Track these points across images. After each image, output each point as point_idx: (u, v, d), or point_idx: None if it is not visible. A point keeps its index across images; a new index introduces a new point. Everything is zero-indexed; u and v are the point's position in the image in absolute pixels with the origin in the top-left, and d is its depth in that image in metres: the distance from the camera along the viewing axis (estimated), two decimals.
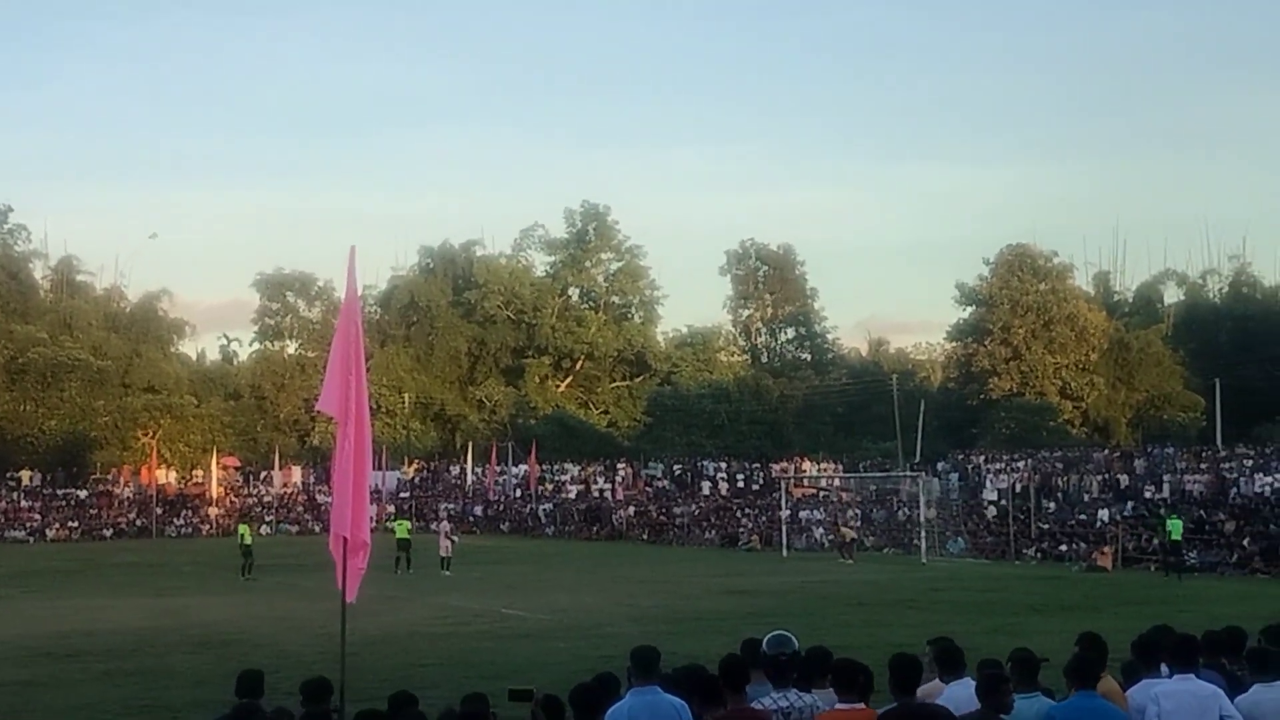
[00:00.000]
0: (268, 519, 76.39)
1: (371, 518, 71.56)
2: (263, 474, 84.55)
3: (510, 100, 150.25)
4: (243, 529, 47.06)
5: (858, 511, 58.80)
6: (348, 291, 12.57)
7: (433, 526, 70.64)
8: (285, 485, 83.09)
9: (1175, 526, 42.59)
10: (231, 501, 79.08)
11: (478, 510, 76.73)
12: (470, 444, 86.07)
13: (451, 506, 77.70)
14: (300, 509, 79.09)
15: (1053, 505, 55.10)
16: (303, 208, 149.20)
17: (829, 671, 8.72)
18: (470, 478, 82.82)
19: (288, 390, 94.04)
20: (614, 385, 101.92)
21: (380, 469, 77.27)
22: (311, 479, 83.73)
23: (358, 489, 11.62)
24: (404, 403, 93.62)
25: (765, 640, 9.41)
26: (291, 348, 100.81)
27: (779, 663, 8.82)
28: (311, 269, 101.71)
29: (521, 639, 24.96)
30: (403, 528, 47.91)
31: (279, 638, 25.21)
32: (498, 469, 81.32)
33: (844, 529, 53.24)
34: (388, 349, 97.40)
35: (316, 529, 70.67)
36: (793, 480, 66.33)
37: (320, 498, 77.20)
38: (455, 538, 45.09)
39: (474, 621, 28.31)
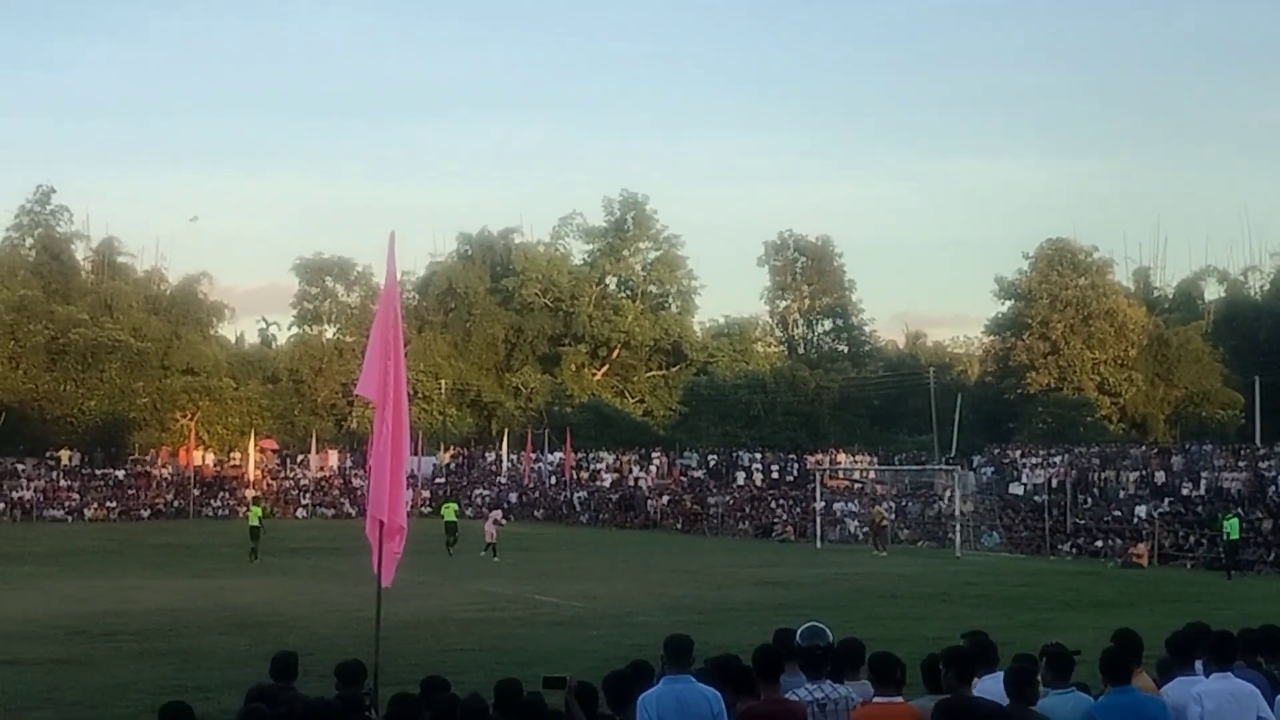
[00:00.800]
0: (304, 502, 76.83)
1: (408, 502, 72.07)
2: (300, 457, 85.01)
3: (550, 88, 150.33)
4: (255, 511, 47.35)
5: (892, 504, 58.65)
6: (387, 277, 12.62)
7: (469, 513, 71.28)
8: (322, 469, 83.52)
9: (1233, 526, 42.08)
10: (269, 484, 79.54)
11: (513, 497, 76.92)
12: (506, 431, 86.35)
13: (487, 493, 78.01)
14: (336, 493, 79.51)
15: (1089, 501, 54.83)
16: (342, 194, 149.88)
17: (863, 663, 8.72)
18: (506, 464, 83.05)
19: (325, 374, 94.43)
20: (650, 374, 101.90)
21: (417, 454, 77.62)
22: (348, 463, 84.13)
23: (395, 473, 11.67)
24: (441, 389, 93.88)
25: (799, 631, 9.40)
26: (329, 332, 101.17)
27: (813, 654, 8.81)
28: (350, 254, 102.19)
29: (555, 626, 25.02)
30: (450, 510, 48.50)
31: (313, 620, 25.35)
32: (533, 456, 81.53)
33: (877, 509, 53.10)
34: (425, 335, 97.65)
35: (353, 513, 71.06)
36: (828, 472, 66.20)
37: (356, 482, 77.61)
38: (503, 522, 44.94)
39: (507, 608, 28.39)
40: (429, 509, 75.27)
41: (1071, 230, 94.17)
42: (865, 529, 55.69)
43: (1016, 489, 59.14)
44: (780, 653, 8.78)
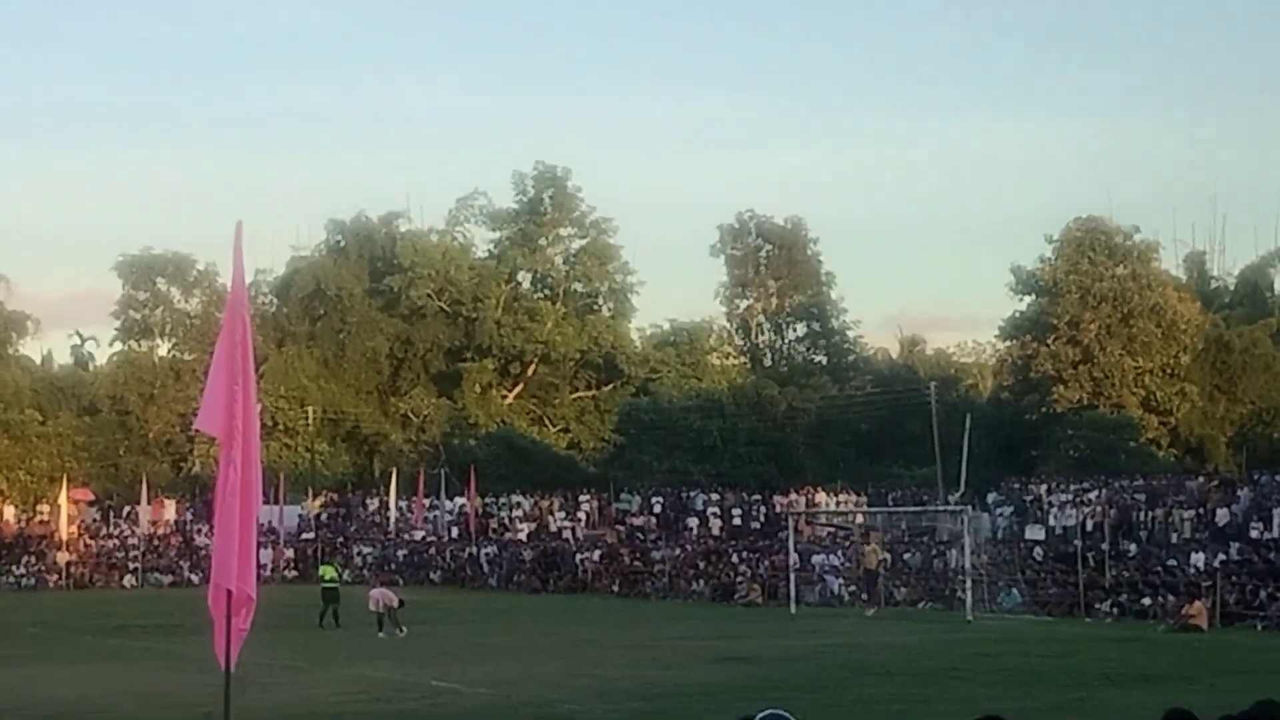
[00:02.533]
0: (133, 566, 76.14)
1: (263, 565, 71.20)
2: (127, 510, 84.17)
3: (444, 37, 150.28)
4: (327, 569, 49.31)
5: (886, 556, 58.82)
6: (234, 278, 12.58)
7: (345, 576, 70.78)
8: (155, 524, 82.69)
9: None
10: (86, 545, 78.75)
11: (401, 555, 76.53)
12: (393, 471, 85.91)
13: (369, 550, 77.57)
14: (174, 554, 78.79)
15: (1133, 547, 55.20)
16: (177, 172, 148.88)
17: None
18: (393, 513, 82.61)
19: (158, 403, 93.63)
20: (576, 396, 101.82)
21: (277, 503, 77.04)
22: (189, 516, 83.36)
23: (244, 529, 11.61)
24: (308, 418, 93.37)
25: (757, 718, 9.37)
26: (164, 348, 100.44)
27: None
28: (189, 249, 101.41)
29: None
30: (329, 571, 48.41)
31: (147, 719, 25.07)
32: (427, 502, 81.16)
33: (870, 547, 53.18)
34: (287, 350, 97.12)
35: (195, 579, 70.41)
36: (803, 517, 66.29)
37: (200, 540, 76.96)
38: (394, 603, 44.16)
39: (396, 698, 28.21)
40: (294, 572, 74.76)
41: (1107, 207, 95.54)
42: (853, 585, 55.81)
43: (1041, 533, 59.48)
44: None
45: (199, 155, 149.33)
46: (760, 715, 9.19)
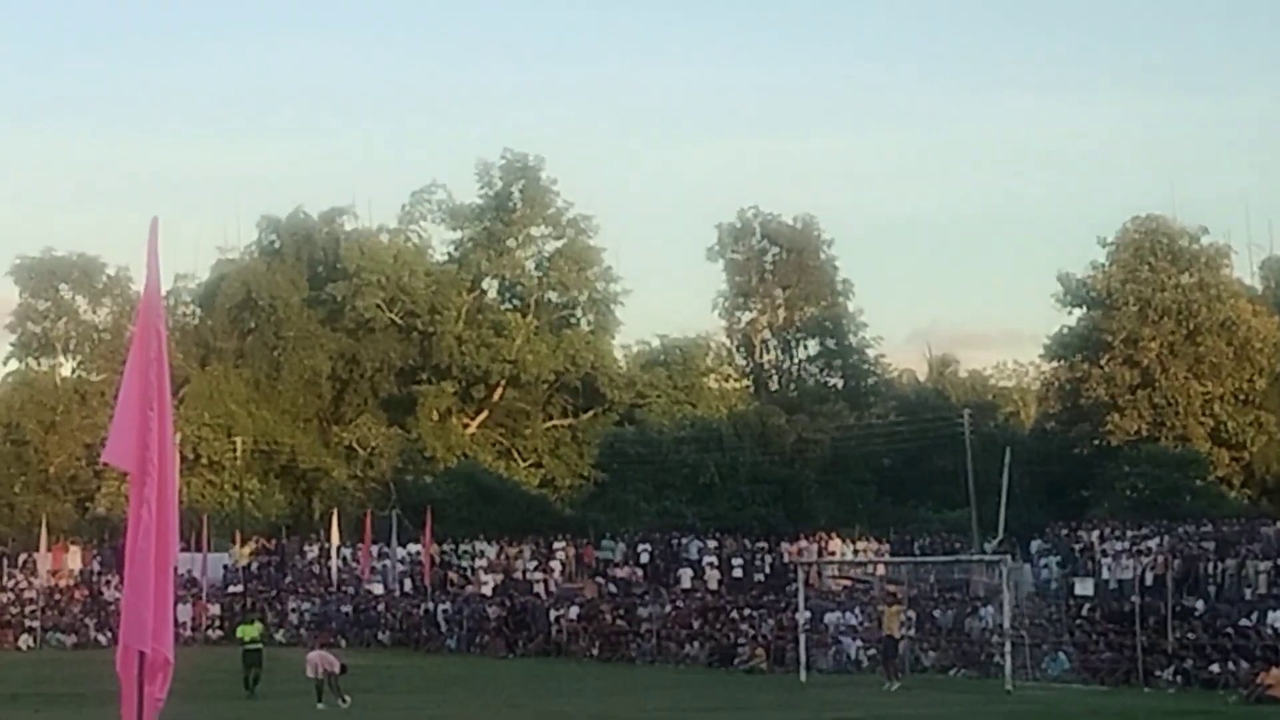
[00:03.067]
0: (29, 625, 75.96)
1: (182, 623, 71.18)
2: (23, 558, 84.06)
3: (395, 3, 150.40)
4: (248, 628, 48.64)
5: (911, 615, 58.87)
6: (148, 284, 12.50)
7: (279, 636, 70.74)
8: (57, 574, 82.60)
9: None
10: None
11: (345, 612, 76.47)
12: (336, 512, 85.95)
13: (307, 606, 77.45)
14: (78, 610, 78.64)
15: (1200, 604, 55.28)
16: (82, 158, 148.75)
17: None
18: (335, 562, 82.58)
19: (60, 431, 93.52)
20: (550, 425, 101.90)
21: (198, 550, 76.92)
22: (95, 565, 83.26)
23: (160, 581, 11.54)
24: (236, 450, 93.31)
25: None
26: (67, 367, 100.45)
27: None
28: (97, 252, 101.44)
29: None
30: (250, 631, 48.28)
31: None
32: (375, 550, 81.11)
33: (891, 609, 53.10)
34: (212, 370, 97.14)
35: (103, 640, 70.28)
36: (816, 568, 66.37)
37: (109, 593, 76.84)
38: (334, 668, 44.24)
39: None
40: (219, 631, 74.64)
41: (1170, 205, 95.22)
42: (875, 648, 55.78)
43: (1092, 588, 59.49)
44: None
45: (108, 142, 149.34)
46: None
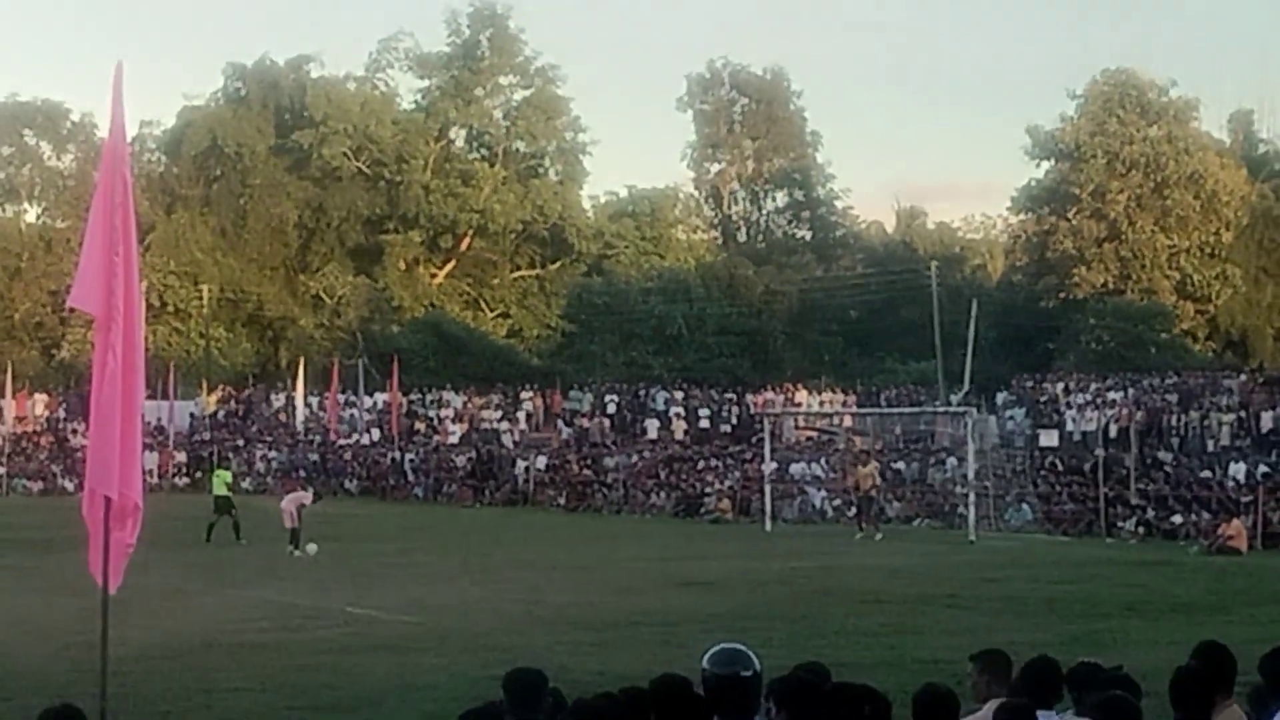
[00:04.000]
0: None
1: (149, 470, 71.10)
2: None
3: None
4: (221, 475, 49.20)
5: (877, 464, 59.13)
6: (113, 129, 12.44)
7: (246, 484, 70.96)
8: (22, 421, 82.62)
9: None
10: None
11: (312, 460, 76.65)
12: (302, 361, 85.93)
13: (275, 455, 77.62)
14: (44, 457, 78.74)
15: (1164, 456, 55.62)
16: (47, 5, 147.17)
17: (823, 702, 8.77)
18: (301, 412, 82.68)
19: (26, 278, 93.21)
20: (518, 275, 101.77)
21: (164, 398, 76.91)
22: (62, 412, 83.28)
23: (127, 428, 11.56)
24: (202, 298, 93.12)
25: (706, 656, 9.43)
26: (32, 213, 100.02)
27: (731, 687, 8.86)
28: (62, 97, 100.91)
29: (376, 652, 24.98)
30: (221, 480, 48.62)
31: (11, 650, 25.10)
32: (342, 399, 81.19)
33: (863, 469, 53.37)
34: (177, 217, 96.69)
35: (69, 486, 70.39)
36: (781, 419, 66.58)
37: (75, 440, 76.91)
38: (307, 502, 45.28)
39: (305, 626, 28.29)
40: (188, 479, 74.81)
41: (1139, 58, 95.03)
42: (840, 499, 56.14)
43: (1056, 440, 59.84)
44: (706, 689, 8.83)
45: None
46: (713, 650, 9.25)
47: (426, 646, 25.39)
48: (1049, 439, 60.33)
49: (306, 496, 45.37)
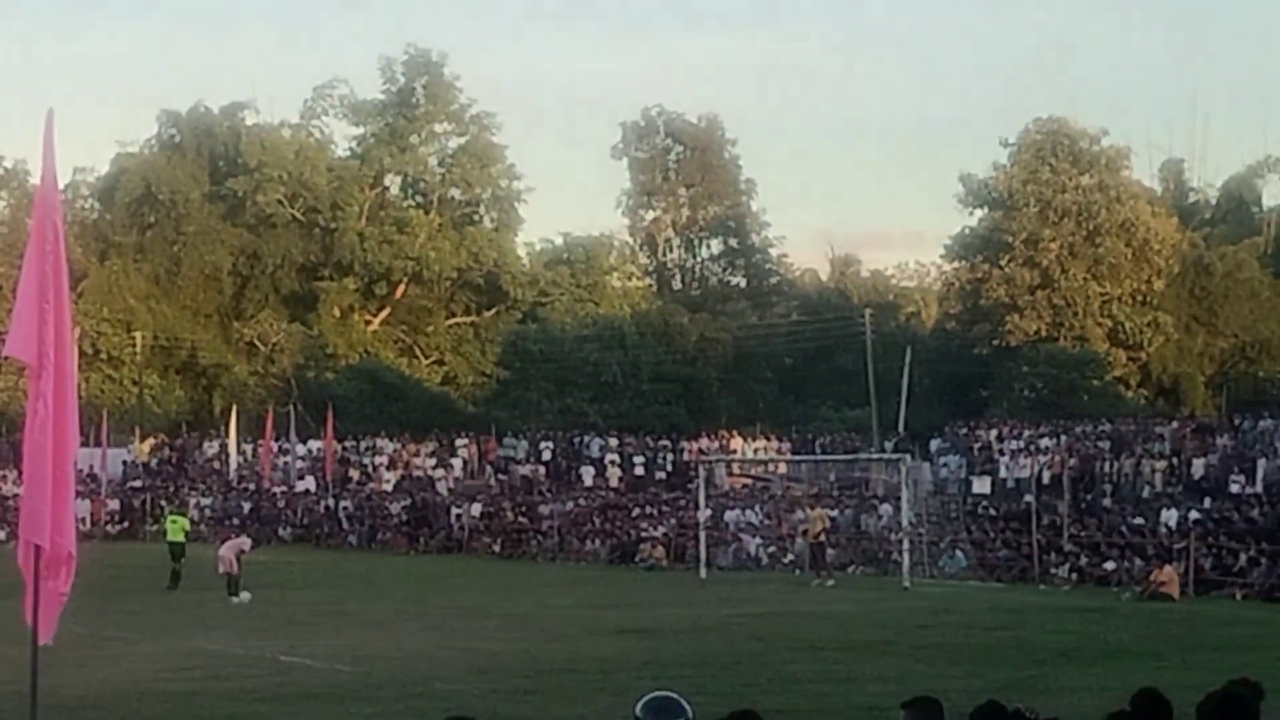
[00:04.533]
0: None
1: (81, 518, 70.54)
2: None
3: None
4: (178, 522, 49.42)
5: (805, 512, 59.21)
6: (44, 176, 12.42)
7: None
8: None
9: None
10: None
11: (246, 506, 76.29)
12: (235, 408, 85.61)
13: (208, 501, 77.24)
14: None
15: (1096, 503, 55.85)
16: None
17: None
18: (235, 459, 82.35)
19: None
20: (453, 322, 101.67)
21: (97, 445, 76.44)
22: None
23: (59, 475, 11.51)
24: (136, 345, 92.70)
25: (639, 705, 9.43)
26: None
27: None
28: None
29: (308, 701, 24.89)
30: (177, 527, 48.61)
31: None
32: (276, 446, 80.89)
33: (817, 512, 53.32)
34: (111, 264, 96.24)
35: (1, 535, 69.93)
36: (716, 465, 66.60)
37: (6, 489, 76.39)
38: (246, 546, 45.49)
39: (238, 674, 28.16)
40: (119, 527, 74.37)
41: (1071, 107, 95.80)
42: (775, 546, 56.20)
43: (989, 486, 60.05)
44: None
45: (3, 32, 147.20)
46: (646, 699, 9.25)
47: (361, 695, 25.30)
48: (982, 485, 60.60)
49: (246, 543, 45.44)
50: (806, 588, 47.87)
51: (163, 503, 72.25)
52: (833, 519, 59.62)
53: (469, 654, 30.95)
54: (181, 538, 48.11)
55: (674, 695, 9.44)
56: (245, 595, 42.23)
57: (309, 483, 78.68)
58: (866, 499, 60.84)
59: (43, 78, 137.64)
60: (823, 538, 51.72)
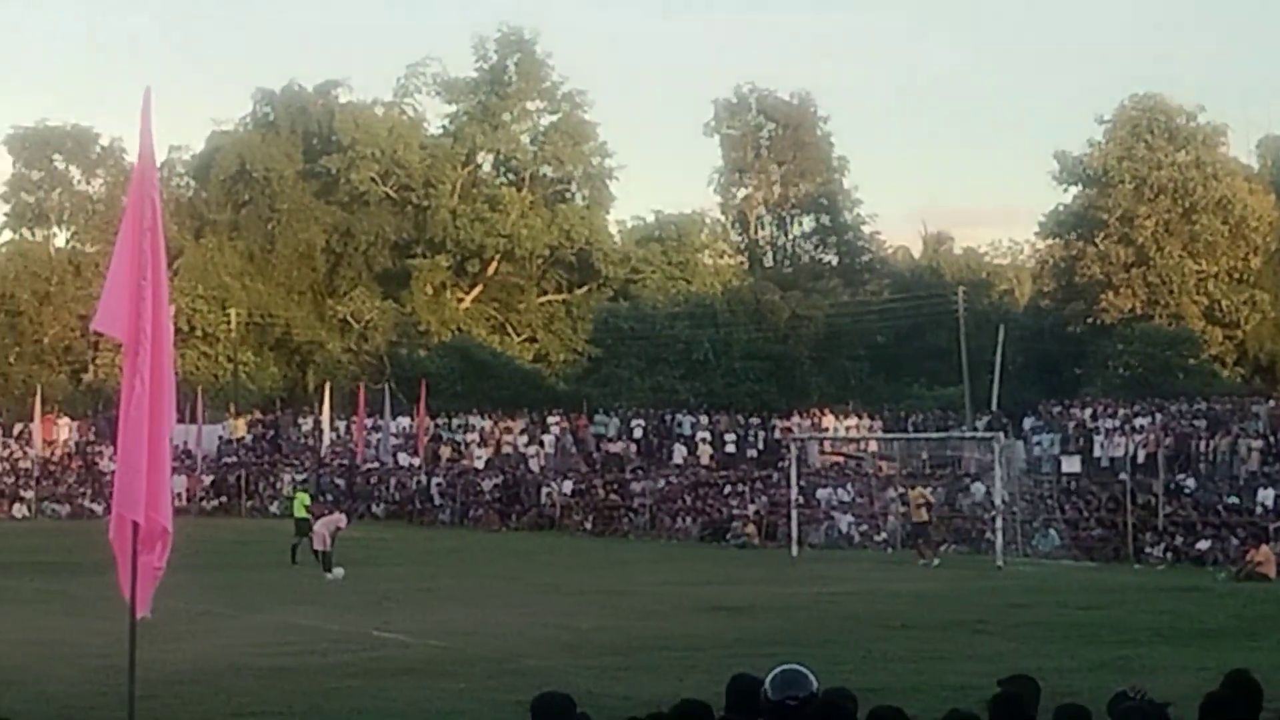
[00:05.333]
0: (25, 494, 76.17)
1: (177, 494, 71.03)
2: (17, 428, 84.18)
3: None
4: (300, 497, 50.71)
5: (903, 490, 59.06)
6: (142, 154, 12.47)
7: (273, 508, 71.22)
8: (50, 445, 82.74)
9: None
10: None
11: (339, 483, 76.66)
12: (329, 385, 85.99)
13: (302, 477, 77.65)
14: (73, 480, 78.87)
15: (1191, 482, 55.49)
16: (77, 31, 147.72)
17: None
18: (328, 435, 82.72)
19: (55, 302, 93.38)
20: (544, 300, 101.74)
21: (192, 422, 76.99)
22: (90, 435, 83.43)
23: (155, 452, 11.58)
24: (230, 323, 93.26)
25: (769, 680, 9.43)
26: (61, 238, 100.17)
27: (787, 711, 8.85)
28: (91, 122, 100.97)
29: (403, 676, 24.99)
30: (300, 503, 49.12)
31: (39, 672, 25.14)
32: (369, 423, 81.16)
33: (918, 491, 53.13)
34: (206, 242, 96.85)
35: (97, 509, 70.51)
36: (808, 444, 66.50)
37: (103, 464, 77.02)
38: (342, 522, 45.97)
39: (332, 650, 28.31)
40: (214, 503, 74.92)
41: (1168, 82, 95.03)
42: (866, 525, 56.12)
43: (1084, 465, 59.65)
44: (736, 711, 8.84)
45: (101, 11, 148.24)
46: (775, 672, 9.25)
47: (453, 671, 25.40)
48: (1076, 465, 60.20)
49: (341, 520, 45.84)
50: (899, 566, 47.78)
51: (339, 481, 72.74)
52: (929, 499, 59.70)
53: (560, 631, 31.02)
54: (304, 513, 48.60)
55: (802, 668, 9.45)
56: (339, 571, 42.50)
57: (402, 459, 79.02)
58: (959, 477, 60.63)
59: (139, 56, 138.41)
60: (925, 515, 51.59)
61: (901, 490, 57.95)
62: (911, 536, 51.55)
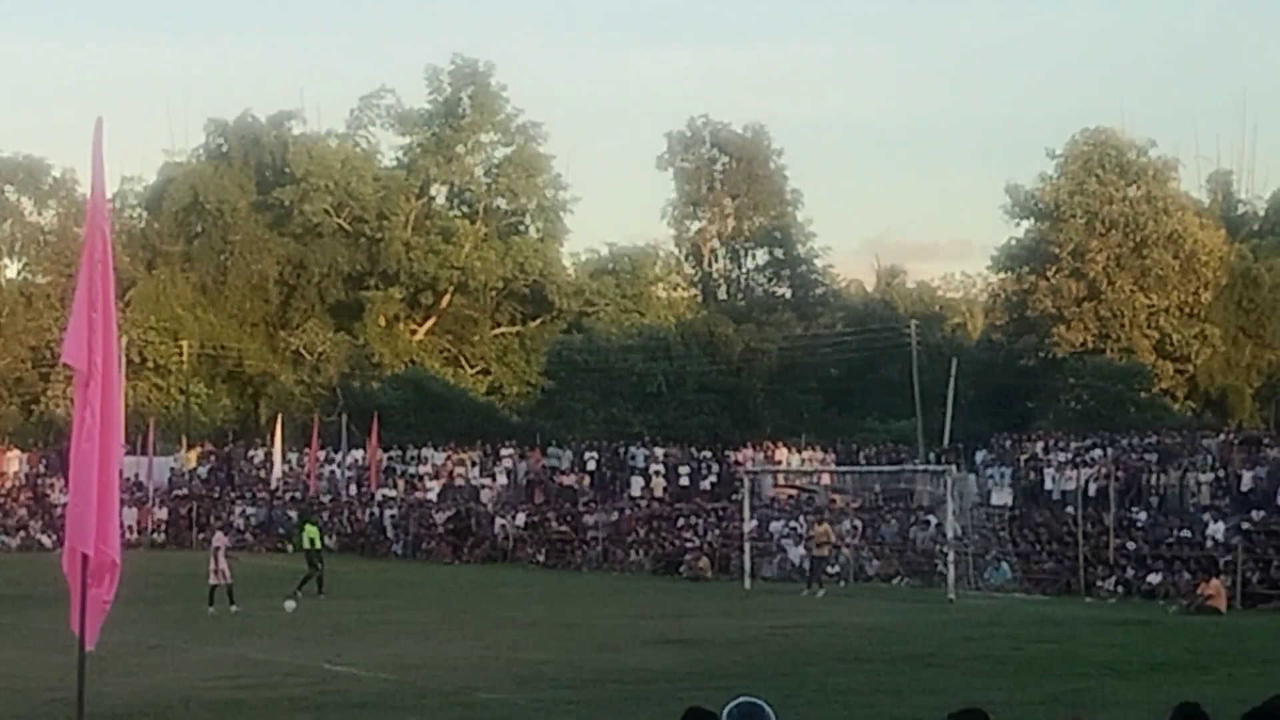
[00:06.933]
0: None
1: (128, 527, 70.68)
2: None
3: None
4: (309, 530, 49.37)
5: (857, 523, 59.13)
6: (93, 185, 12.46)
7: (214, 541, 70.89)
8: (1, 477, 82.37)
9: None
10: None
11: (291, 515, 76.36)
12: (281, 417, 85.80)
13: (253, 511, 77.38)
14: (23, 512, 78.47)
15: (1142, 515, 55.63)
16: (25, 58, 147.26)
17: None
18: (279, 467, 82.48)
19: (6, 334, 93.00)
20: (498, 332, 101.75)
21: (144, 454, 76.70)
22: (41, 467, 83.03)
23: (105, 484, 11.53)
24: (183, 354, 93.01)
25: (725, 712, 9.44)
26: (13, 269, 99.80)
27: None
28: (43, 153, 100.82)
29: (354, 710, 24.94)
30: (309, 535, 48.82)
31: None
32: (321, 455, 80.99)
33: (821, 528, 53.37)
34: (158, 273, 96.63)
35: (47, 542, 70.20)
36: (761, 477, 66.51)
37: (54, 496, 76.69)
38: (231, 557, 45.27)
39: (284, 683, 28.23)
40: (164, 535, 74.59)
41: (1118, 118, 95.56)
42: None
43: (1034, 499, 59.76)
44: None
45: (52, 42, 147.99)
46: (732, 704, 9.26)
47: (405, 704, 25.35)
48: (1028, 498, 60.25)
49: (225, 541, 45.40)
50: (851, 599, 47.82)
51: (291, 513, 72.39)
52: (874, 529, 59.76)
53: (513, 664, 30.98)
54: (314, 543, 48.40)
55: (758, 701, 9.45)
56: (290, 604, 42.36)
57: (353, 492, 78.82)
58: (912, 510, 60.71)
59: (91, 87, 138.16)
60: (825, 551, 51.98)
61: (853, 522, 58.17)
62: (812, 569, 51.64)
